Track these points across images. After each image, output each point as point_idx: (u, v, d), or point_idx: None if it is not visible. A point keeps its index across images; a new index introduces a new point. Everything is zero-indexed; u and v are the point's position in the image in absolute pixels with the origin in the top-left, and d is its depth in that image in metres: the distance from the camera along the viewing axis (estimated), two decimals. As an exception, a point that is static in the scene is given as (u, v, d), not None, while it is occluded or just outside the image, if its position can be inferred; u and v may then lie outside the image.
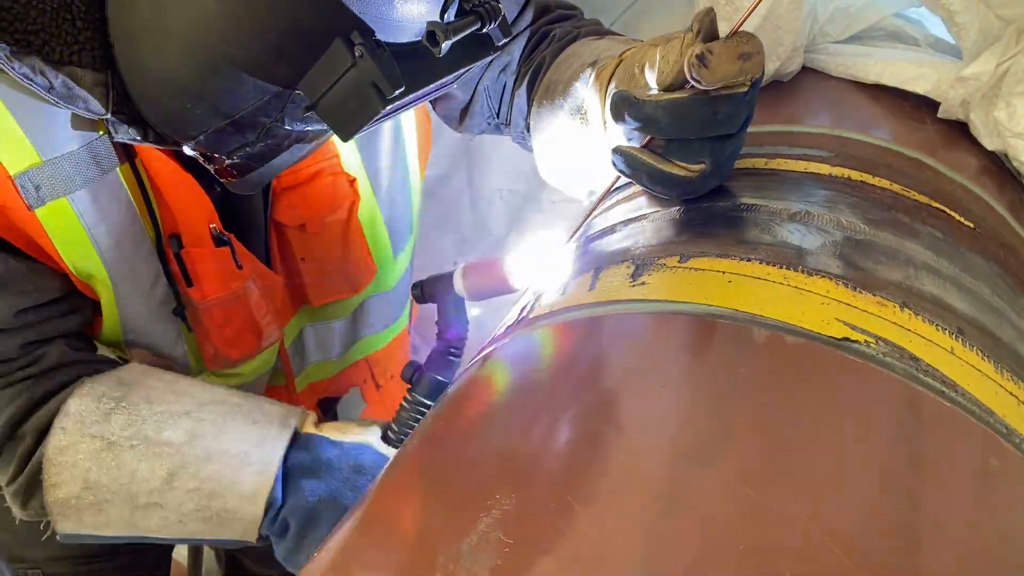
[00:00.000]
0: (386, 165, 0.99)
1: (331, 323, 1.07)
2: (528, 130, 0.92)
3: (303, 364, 1.08)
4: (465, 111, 0.98)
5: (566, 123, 0.79)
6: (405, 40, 0.62)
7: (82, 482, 0.71)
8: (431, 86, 0.65)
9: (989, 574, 0.38)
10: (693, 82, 0.57)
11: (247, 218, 0.89)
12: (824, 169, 0.72)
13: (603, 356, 0.55)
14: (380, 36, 0.59)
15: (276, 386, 1.06)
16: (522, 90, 0.91)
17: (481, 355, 0.65)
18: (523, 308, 0.67)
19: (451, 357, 0.78)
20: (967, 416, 0.47)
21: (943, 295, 0.57)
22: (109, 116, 0.70)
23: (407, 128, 1.00)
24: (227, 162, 0.73)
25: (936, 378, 0.48)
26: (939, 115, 0.93)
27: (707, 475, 0.41)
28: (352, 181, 0.95)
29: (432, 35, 0.58)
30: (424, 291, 0.77)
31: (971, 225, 0.71)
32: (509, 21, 0.89)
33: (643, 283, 0.58)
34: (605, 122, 0.72)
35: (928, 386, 0.48)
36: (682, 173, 0.62)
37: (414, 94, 0.62)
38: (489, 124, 0.99)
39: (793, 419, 0.45)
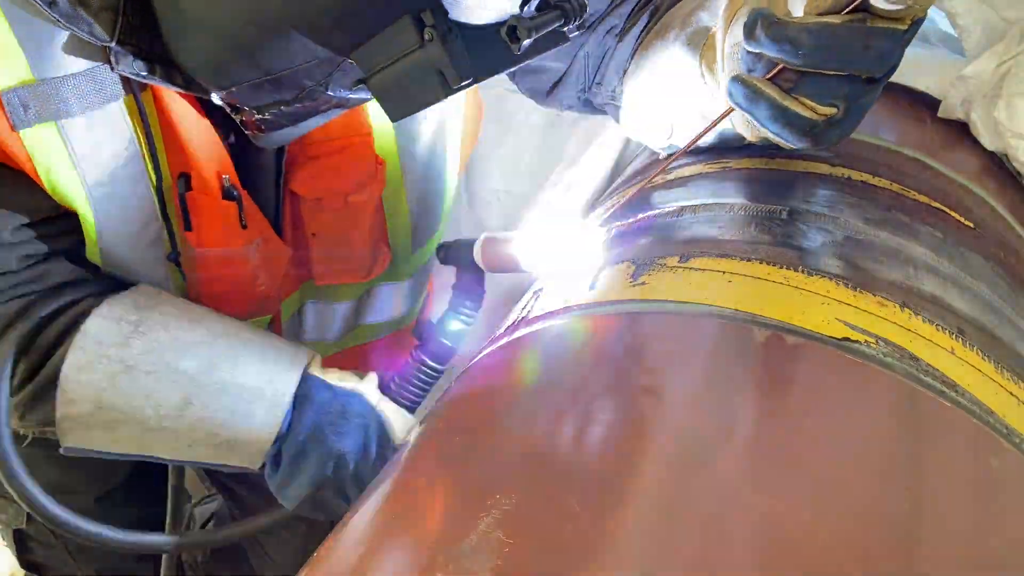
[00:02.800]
0: (423, 153, 0.94)
1: (334, 304, 1.03)
2: (621, 84, 0.86)
3: (297, 341, 1.04)
4: (558, 83, 0.92)
5: (679, 57, 0.73)
6: (478, 23, 0.56)
7: (96, 401, 0.71)
8: (493, 76, 0.61)
9: (989, 574, 0.38)
10: None
11: (256, 179, 0.84)
12: (824, 169, 0.72)
13: (604, 358, 0.55)
14: (452, 15, 0.55)
15: None
16: (627, 39, 0.85)
17: (491, 348, 0.64)
18: (525, 304, 0.67)
19: (461, 324, 0.78)
20: (967, 416, 0.47)
21: (943, 295, 0.57)
22: (113, 45, 0.66)
23: (453, 118, 0.95)
24: (256, 116, 0.70)
25: (936, 378, 0.48)
26: (939, 115, 0.93)
27: (708, 475, 0.41)
28: (381, 163, 0.90)
29: (513, 31, 0.54)
30: (447, 253, 0.78)
31: (971, 225, 0.71)
32: None
33: (643, 283, 0.58)
34: (724, 56, 0.65)
35: (928, 386, 0.48)
36: (807, 114, 0.56)
37: (476, 83, 0.59)
38: (579, 97, 0.93)
39: (793, 419, 0.45)
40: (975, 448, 0.46)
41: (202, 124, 0.75)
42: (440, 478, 0.49)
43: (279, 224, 0.89)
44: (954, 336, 0.53)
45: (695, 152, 0.82)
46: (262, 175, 0.85)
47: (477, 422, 0.54)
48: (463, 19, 0.55)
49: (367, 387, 0.78)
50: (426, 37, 0.54)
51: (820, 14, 0.54)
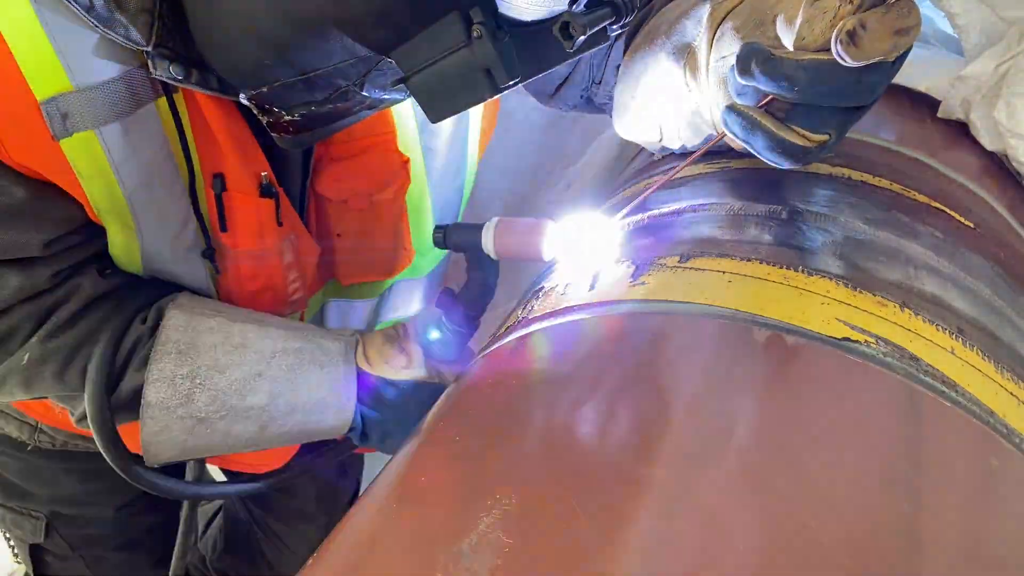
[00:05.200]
0: (443, 149, 0.93)
1: (355, 302, 1.04)
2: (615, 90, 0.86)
3: None
4: (564, 83, 0.92)
5: (665, 66, 0.73)
6: (527, 19, 0.55)
7: (180, 448, 0.75)
8: (542, 74, 0.60)
9: (989, 574, 0.38)
10: (837, 57, 0.51)
11: (284, 179, 0.84)
12: (824, 169, 0.72)
13: (603, 359, 0.54)
14: (501, 12, 0.53)
15: None
16: (622, 41, 0.85)
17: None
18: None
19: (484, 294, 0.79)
20: (967, 416, 0.47)
21: (943, 295, 0.57)
22: (149, 49, 0.65)
23: (473, 112, 0.94)
24: (285, 117, 0.69)
25: (936, 378, 0.48)
26: (939, 115, 0.93)
27: (708, 475, 0.41)
28: (405, 161, 0.89)
29: (566, 27, 0.52)
30: (447, 237, 0.76)
31: (971, 225, 0.71)
32: None
33: (643, 283, 0.58)
34: (709, 68, 0.66)
35: (928, 386, 0.48)
36: (801, 143, 0.57)
37: (522, 83, 0.57)
38: (583, 96, 0.93)
39: (793, 419, 0.45)
40: (975, 448, 0.46)
41: (238, 124, 0.75)
42: (443, 478, 0.49)
43: (305, 223, 0.89)
44: (954, 336, 0.53)
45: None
46: (290, 176, 0.84)
47: (479, 423, 0.54)
48: (512, 16, 0.54)
49: (420, 370, 0.80)
50: (474, 35, 0.53)
51: (815, 50, 0.54)
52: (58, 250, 0.73)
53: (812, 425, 0.44)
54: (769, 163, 0.60)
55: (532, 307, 0.65)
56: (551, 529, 0.38)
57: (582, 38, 0.53)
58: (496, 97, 0.57)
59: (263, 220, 0.80)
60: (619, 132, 0.87)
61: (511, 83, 0.55)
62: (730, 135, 0.61)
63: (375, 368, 0.80)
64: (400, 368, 0.80)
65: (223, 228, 0.79)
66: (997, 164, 0.90)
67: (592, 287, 0.61)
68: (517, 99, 1.45)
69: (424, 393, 0.80)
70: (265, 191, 0.78)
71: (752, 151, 0.60)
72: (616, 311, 0.57)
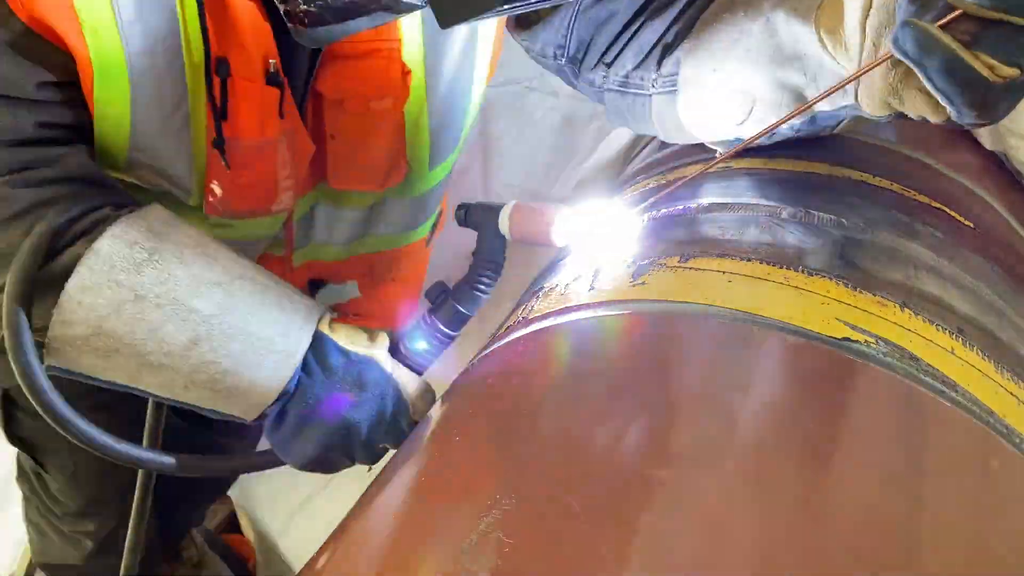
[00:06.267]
0: (450, 68, 0.91)
1: (345, 209, 1.01)
2: (632, 74, 0.81)
3: (306, 241, 1.02)
4: (540, 22, 0.88)
5: (780, 27, 0.65)
6: None
7: (95, 326, 0.66)
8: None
9: (989, 574, 0.38)
10: None
11: (289, 72, 0.81)
12: (824, 169, 0.72)
13: (603, 359, 0.55)
14: None
15: (272, 255, 1.01)
16: (654, 23, 0.79)
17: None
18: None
19: (477, 292, 0.77)
20: (967, 416, 0.47)
21: (943, 295, 0.57)
22: None
23: (483, 34, 0.91)
24: (302, 7, 0.68)
25: (936, 378, 0.48)
26: (939, 115, 0.93)
27: (708, 475, 0.41)
28: (407, 74, 0.87)
29: None
30: (468, 216, 0.75)
31: (971, 225, 0.71)
32: None
33: (643, 283, 0.58)
34: (874, 8, 0.56)
35: (928, 386, 0.48)
36: (987, 73, 0.48)
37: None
38: (557, 54, 0.88)
39: (793, 419, 0.45)
40: (975, 448, 0.46)
41: (251, 6, 0.73)
42: (443, 478, 0.49)
43: (303, 121, 0.86)
44: (954, 336, 0.53)
45: (699, 151, 0.82)
46: (296, 69, 0.82)
47: (479, 423, 0.54)
48: None
49: (380, 352, 0.75)
50: None
51: None
52: (48, 98, 0.70)
53: (812, 425, 0.44)
54: (943, 105, 0.51)
55: (532, 307, 0.65)
56: (551, 529, 0.38)
57: (659, 29, 0.49)
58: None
59: (266, 109, 0.78)
60: (682, 113, 0.78)
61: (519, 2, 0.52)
62: (866, 77, 0.54)
63: (335, 332, 0.75)
64: (362, 339, 0.75)
65: (223, 116, 0.76)
66: (997, 164, 0.90)
67: (592, 287, 0.61)
68: (537, 98, 1.47)
69: (370, 378, 0.73)
70: (271, 79, 0.76)
71: (924, 80, 0.51)
72: (616, 311, 0.57)
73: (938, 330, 0.53)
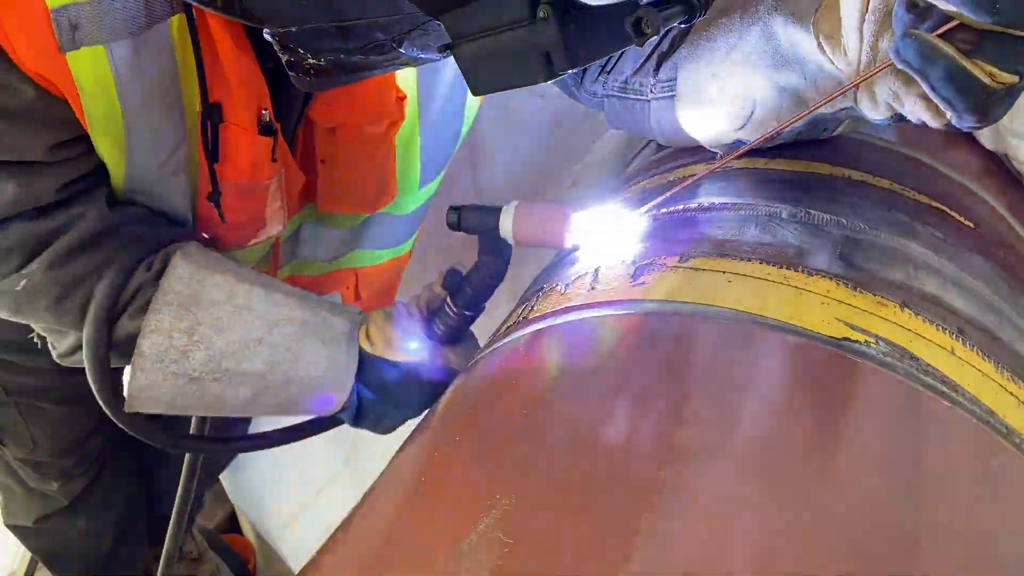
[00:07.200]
0: (443, 92, 0.90)
1: (332, 229, 1.01)
2: (631, 80, 0.81)
3: (291, 257, 1.03)
4: None
5: (781, 35, 0.65)
6: (598, 4, 0.50)
7: (167, 405, 0.73)
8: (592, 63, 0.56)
9: (989, 574, 0.38)
10: None
11: (283, 106, 0.81)
12: (824, 169, 0.72)
13: (602, 360, 0.55)
14: None
15: (257, 270, 1.02)
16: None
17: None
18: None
19: (480, 299, 0.77)
20: (967, 416, 0.47)
21: (943, 295, 0.57)
22: None
23: None
24: (309, 60, 0.65)
25: (936, 378, 0.48)
26: (939, 115, 0.93)
27: (708, 475, 0.41)
28: (401, 98, 0.86)
29: (639, 24, 0.49)
30: (461, 219, 0.71)
31: (971, 225, 0.71)
32: None
33: (642, 283, 0.58)
34: (870, 12, 0.57)
35: (928, 386, 0.48)
36: (987, 80, 0.49)
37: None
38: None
39: (793, 419, 0.45)
40: (975, 448, 0.46)
41: (247, 54, 0.71)
42: (443, 478, 0.49)
43: (292, 148, 0.86)
44: (954, 336, 0.53)
45: (698, 152, 0.82)
46: (289, 102, 0.82)
47: (479, 423, 0.54)
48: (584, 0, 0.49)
49: (422, 351, 0.78)
50: (539, 14, 0.49)
51: None
52: (63, 157, 0.70)
53: (811, 425, 0.44)
54: (943, 109, 0.52)
55: (533, 307, 0.65)
56: (551, 529, 0.38)
57: (656, 38, 0.50)
58: None
59: (259, 156, 0.78)
60: (681, 118, 0.78)
61: (569, 70, 0.51)
62: (866, 84, 0.55)
63: (376, 348, 0.77)
64: (401, 349, 0.78)
65: (215, 159, 0.76)
66: (997, 164, 0.90)
67: (592, 287, 0.61)
68: (524, 99, 1.46)
69: (426, 376, 0.77)
70: (264, 129, 0.76)
71: (926, 87, 0.52)
72: (616, 311, 0.57)
73: (938, 330, 0.53)
